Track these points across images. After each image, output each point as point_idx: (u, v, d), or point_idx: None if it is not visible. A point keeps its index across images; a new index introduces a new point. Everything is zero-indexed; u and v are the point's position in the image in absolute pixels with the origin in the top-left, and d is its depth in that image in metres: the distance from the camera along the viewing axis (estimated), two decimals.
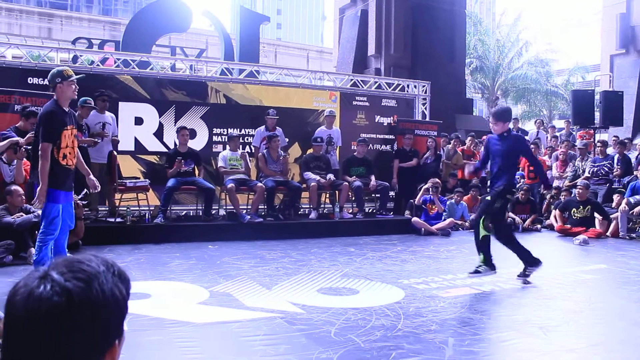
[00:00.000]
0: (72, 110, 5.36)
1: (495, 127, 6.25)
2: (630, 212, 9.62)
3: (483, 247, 6.06)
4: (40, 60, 9.54)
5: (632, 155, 11.60)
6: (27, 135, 7.30)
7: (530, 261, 6.06)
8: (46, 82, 8.43)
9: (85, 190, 7.21)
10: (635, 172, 10.36)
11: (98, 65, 9.85)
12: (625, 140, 12.19)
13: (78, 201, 6.93)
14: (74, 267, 1.01)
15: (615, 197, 10.38)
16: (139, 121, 9.64)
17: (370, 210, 10.75)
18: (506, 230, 6.37)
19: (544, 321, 4.52)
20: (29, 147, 7.38)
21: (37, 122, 5.15)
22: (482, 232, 6.02)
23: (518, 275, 6.08)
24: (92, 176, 5.66)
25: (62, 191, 5.14)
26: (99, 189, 5.92)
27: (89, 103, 8.29)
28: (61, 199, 5.13)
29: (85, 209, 8.07)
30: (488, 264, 6.06)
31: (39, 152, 5.01)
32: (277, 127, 10.02)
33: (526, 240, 9.38)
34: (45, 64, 9.19)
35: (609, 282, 6.37)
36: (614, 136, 13.77)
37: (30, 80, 8.81)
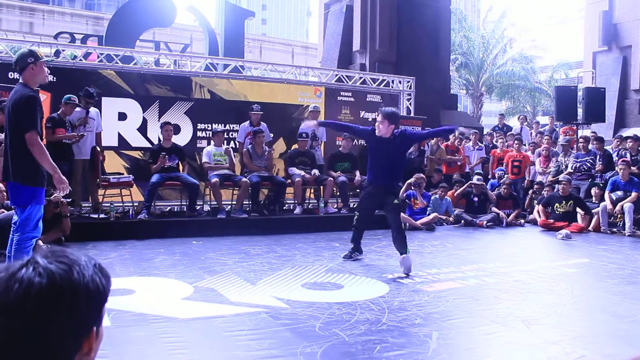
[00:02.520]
0: None
1: (380, 127, 6.18)
2: (614, 210, 9.73)
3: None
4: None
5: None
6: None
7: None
8: None
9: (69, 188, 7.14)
10: (616, 168, 10.47)
11: (81, 60, 9.74)
12: (603, 137, 12.30)
13: (62, 199, 6.86)
14: (57, 253, 1.03)
15: (594, 191, 10.51)
16: (122, 116, 9.57)
17: (355, 206, 10.75)
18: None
19: (527, 314, 4.56)
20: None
21: (10, 109, 4.37)
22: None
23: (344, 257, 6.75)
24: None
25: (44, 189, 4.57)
26: (68, 191, 5.02)
27: (73, 100, 8.21)
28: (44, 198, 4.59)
29: (70, 207, 8.01)
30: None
31: (29, 146, 4.27)
32: (262, 123, 10.00)
33: (509, 235, 9.51)
34: None
35: (590, 275, 6.43)
36: (592, 132, 13.91)
37: (10, 75, 8.70)
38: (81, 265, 1.03)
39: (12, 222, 4.53)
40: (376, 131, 6.30)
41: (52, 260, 1.01)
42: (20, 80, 4.47)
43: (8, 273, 1.00)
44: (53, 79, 8.80)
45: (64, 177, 4.48)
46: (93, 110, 8.73)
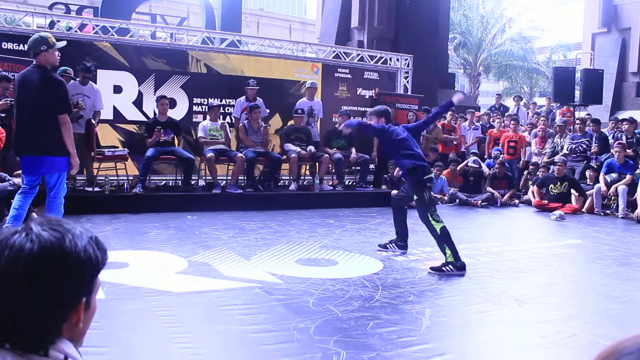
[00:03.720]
0: None
1: (371, 122, 5.86)
2: (608, 192, 9.76)
3: (445, 240, 5.40)
4: (15, 25, 9.30)
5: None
6: (1, 102, 7.13)
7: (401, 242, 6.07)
8: (21, 47, 8.33)
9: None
10: (612, 150, 10.47)
11: (76, 31, 9.62)
12: (600, 119, 12.29)
13: None
14: (52, 222, 1.04)
15: (588, 173, 10.53)
16: (117, 89, 9.49)
17: (350, 183, 10.78)
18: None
19: (520, 293, 4.59)
20: (3, 115, 7.23)
21: (53, 89, 4.98)
22: (437, 226, 5.45)
23: (379, 245, 6.13)
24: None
25: None
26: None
27: (68, 73, 8.12)
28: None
29: (69, 181, 7.98)
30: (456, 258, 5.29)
31: (61, 126, 4.99)
32: (258, 98, 9.93)
33: (504, 215, 9.54)
34: (21, 29, 8.98)
35: (583, 256, 6.48)
36: (587, 114, 13.89)
37: (4, 45, 8.60)
38: (75, 235, 1.03)
39: (49, 187, 5.16)
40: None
41: (47, 228, 1.01)
42: (35, 63, 5.02)
43: (1, 238, 1.00)
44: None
45: (77, 159, 5.23)
46: (94, 86, 8.60)
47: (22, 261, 0.97)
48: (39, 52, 4.94)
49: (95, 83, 8.92)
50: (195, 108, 10.11)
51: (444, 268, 5.20)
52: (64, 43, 5.37)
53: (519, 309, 4.21)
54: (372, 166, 11.01)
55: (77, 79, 8.33)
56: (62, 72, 8.00)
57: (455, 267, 5.20)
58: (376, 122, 5.81)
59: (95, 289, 1.09)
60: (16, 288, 0.97)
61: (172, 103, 9.62)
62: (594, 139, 10.99)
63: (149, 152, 8.60)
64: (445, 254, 5.29)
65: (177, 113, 9.75)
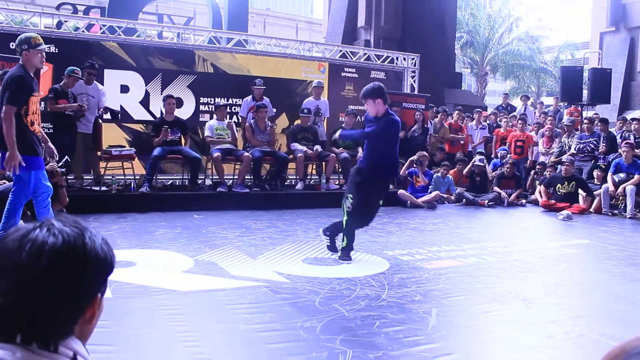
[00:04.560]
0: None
1: (366, 107, 5.65)
2: (616, 192, 9.71)
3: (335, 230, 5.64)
4: (22, 25, 9.34)
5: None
6: None
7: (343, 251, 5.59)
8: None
9: (66, 157, 7.13)
10: (619, 150, 10.42)
11: (83, 31, 9.65)
12: (607, 119, 12.22)
13: (57, 169, 6.83)
14: (69, 219, 1.07)
15: (596, 173, 10.48)
16: (124, 89, 9.52)
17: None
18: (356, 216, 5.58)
19: (527, 293, 4.57)
20: None
21: (5, 83, 4.98)
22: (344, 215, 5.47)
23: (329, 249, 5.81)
24: (50, 144, 5.65)
25: (40, 157, 5.16)
26: (57, 158, 6.00)
27: (76, 73, 8.15)
28: (41, 164, 5.17)
29: (68, 176, 8.01)
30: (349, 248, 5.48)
31: (2, 115, 4.90)
32: (265, 97, 9.94)
33: (511, 215, 9.50)
34: (28, 29, 9.00)
35: (590, 256, 6.44)
36: (595, 113, 13.82)
37: (12, 45, 8.62)
38: (92, 233, 1.06)
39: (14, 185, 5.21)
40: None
41: (68, 224, 1.04)
42: (20, 61, 5.08)
43: (20, 233, 1.02)
44: (55, 50, 8.75)
45: (17, 153, 4.91)
46: (98, 85, 8.65)
47: (46, 254, 0.99)
48: (21, 51, 5.01)
49: (102, 83, 8.96)
50: (202, 107, 10.13)
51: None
52: (47, 47, 5.51)
53: (525, 308, 4.19)
54: None
55: (82, 79, 8.36)
56: (70, 71, 8.04)
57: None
58: (373, 106, 5.49)
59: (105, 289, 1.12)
60: (37, 281, 0.98)
61: (179, 102, 9.64)
62: (601, 139, 10.93)
63: (156, 151, 8.62)
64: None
65: (184, 112, 9.77)
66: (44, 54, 5.17)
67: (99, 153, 8.54)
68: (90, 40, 9.50)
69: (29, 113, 5.03)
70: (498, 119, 13.60)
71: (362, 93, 5.63)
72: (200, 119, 10.03)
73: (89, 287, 1.05)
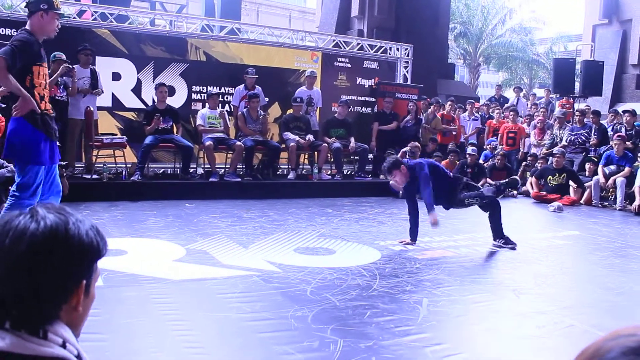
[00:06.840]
0: None
1: (396, 179, 5.91)
2: (607, 184, 9.76)
3: None
4: (12, 11, 9.24)
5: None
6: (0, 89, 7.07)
7: None
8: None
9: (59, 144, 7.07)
10: (611, 142, 10.47)
11: (75, 18, 9.56)
12: (599, 111, 12.27)
13: None
14: (57, 207, 1.08)
15: (587, 166, 10.52)
16: (116, 77, 9.44)
17: (348, 172, 10.77)
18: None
19: (517, 284, 4.60)
20: (4, 105, 7.18)
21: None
22: None
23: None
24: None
25: (55, 142, 4.36)
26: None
27: (58, 57, 7.99)
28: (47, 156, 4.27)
29: (67, 169, 7.99)
30: None
31: None
32: (257, 86, 9.90)
33: (502, 206, 9.50)
34: (19, 15, 8.90)
35: (580, 248, 6.49)
36: (586, 106, 13.87)
37: (2, 30, 8.55)
38: (78, 219, 1.07)
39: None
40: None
41: (52, 212, 1.06)
42: (26, 27, 4.17)
43: (4, 220, 1.04)
44: None
45: (27, 95, 4.09)
46: (95, 69, 8.60)
47: (26, 240, 1.01)
48: (36, 11, 4.09)
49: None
50: (194, 96, 10.07)
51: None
52: (64, 14, 4.71)
53: (516, 299, 4.22)
54: (370, 156, 10.99)
55: (77, 65, 8.28)
56: (53, 58, 7.86)
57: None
58: (400, 175, 5.84)
59: (95, 277, 1.13)
60: (20, 267, 1.00)
61: (171, 91, 9.58)
62: (593, 131, 10.98)
63: (148, 139, 8.58)
64: None
65: (176, 101, 9.72)
66: (59, 23, 4.30)
67: (90, 141, 8.47)
68: (81, 27, 9.41)
69: (35, 85, 4.17)
70: (490, 110, 13.62)
71: (385, 170, 6.06)
72: (193, 108, 9.98)
73: (72, 272, 1.06)
